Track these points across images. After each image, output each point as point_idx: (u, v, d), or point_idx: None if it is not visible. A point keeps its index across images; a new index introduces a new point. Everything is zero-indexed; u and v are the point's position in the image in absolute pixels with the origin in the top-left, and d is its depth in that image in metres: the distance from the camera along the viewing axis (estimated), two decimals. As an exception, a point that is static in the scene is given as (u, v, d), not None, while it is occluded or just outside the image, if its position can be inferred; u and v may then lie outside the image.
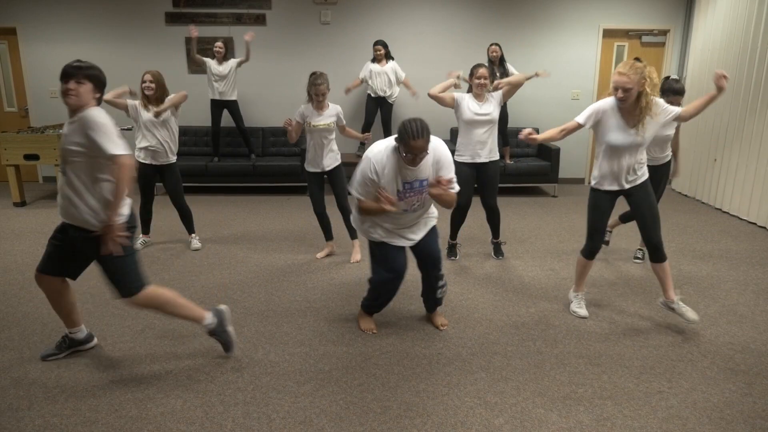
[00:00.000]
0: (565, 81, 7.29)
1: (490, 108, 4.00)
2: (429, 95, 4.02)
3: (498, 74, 6.27)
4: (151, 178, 4.37)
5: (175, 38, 7.04)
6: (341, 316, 3.30)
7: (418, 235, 2.98)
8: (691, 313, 3.07)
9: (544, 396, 2.50)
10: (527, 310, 3.43)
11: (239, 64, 6.44)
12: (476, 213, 5.73)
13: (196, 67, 7.06)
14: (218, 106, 6.50)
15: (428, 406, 2.42)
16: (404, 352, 2.88)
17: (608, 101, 3.01)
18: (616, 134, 2.99)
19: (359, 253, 4.32)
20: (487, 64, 6.19)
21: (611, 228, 4.52)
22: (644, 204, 3.09)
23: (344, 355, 2.86)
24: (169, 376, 2.64)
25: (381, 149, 2.74)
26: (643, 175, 3.11)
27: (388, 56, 6.49)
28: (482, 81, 3.96)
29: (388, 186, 2.72)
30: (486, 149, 4.08)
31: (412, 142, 2.56)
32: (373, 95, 6.55)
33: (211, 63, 6.37)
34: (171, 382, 2.58)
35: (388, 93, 6.52)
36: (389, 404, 2.43)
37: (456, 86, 4.15)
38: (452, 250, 4.41)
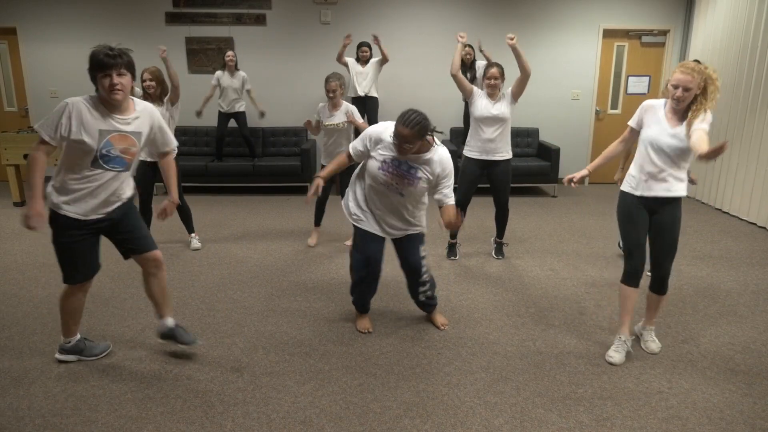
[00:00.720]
0: (565, 81, 7.29)
1: (503, 107, 3.99)
2: (451, 74, 4.01)
3: (468, 76, 6.18)
4: (150, 176, 4.36)
5: (175, 38, 7.03)
6: (341, 316, 3.30)
7: (394, 231, 2.95)
8: (655, 345, 2.91)
9: (544, 396, 2.50)
10: (527, 310, 3.43)
11: (247, 90, 6.45)
12: (476, 212, 5.73)
13: (196, 68, 7.07)
14: (226, 116, 6.51)
15: (428, 406, 2.42)
16: (404, 352, 2.88)
17: (657, 100, 2.75)
18: (655, 129, 2.68)
19: None
20: (482, 63, 6.19)
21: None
22: (666, 227, 2.73)
23: (344, 355, 2.86)
24: (169, 376, 2.64)
25: (385, 125, 2.84)
26: (677, 191, 2.73)
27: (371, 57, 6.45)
28: (492, 81, 3.96)
29: (381, 152, 2.79)
30: (496, 147, 4.07)
31: (399, 128, 2.60)
32: (354, 96, 6.41)
33: (221, 75, 6.30)
34: (171, 382, 2.58)
35: (370, 92, 6.41)
36: (389, 404, 2.43)
37: (465, 47, 4.08)
38: (452, 249, 4.41)
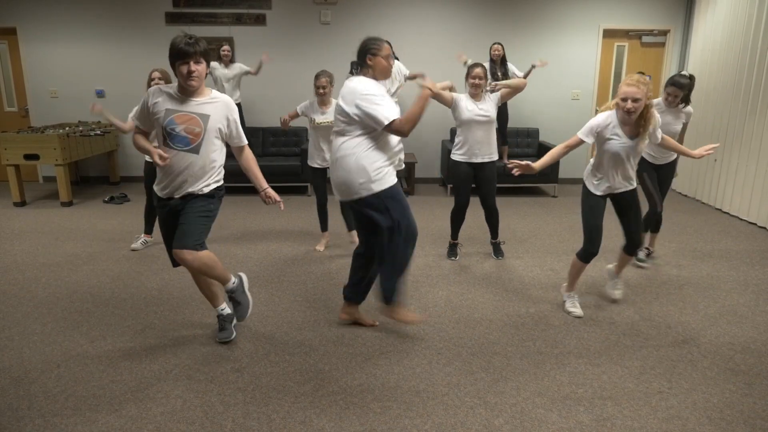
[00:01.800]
0: (565, 81, 7.30)
1: (488, 108, 4.00)
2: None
3: (499, 74, 6.28)
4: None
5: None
6: (341, 316, 3.30)
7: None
8: (619, 293, 3.54)
9: (544, 396, 2.50)
10: (527, 310, 3.43)
11: (246, 73, 6.46)
12: (476, 213, 5.73)
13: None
14: None
15: (428, 406, 2.42)
16: (404, 352, 2.88)
17: (607, 115, 3.07)
18: (616, 143, 3.06)
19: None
20: (487, 64, 6.21)
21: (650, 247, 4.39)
22: (633, 205, 3.24)
23: (344, 355, 2.86)
24: (169, 376, 2.64)
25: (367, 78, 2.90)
26: (634, 183, 3.24)
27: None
28: (476, 81, 3.97)
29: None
30: (484, 149, 4.09)
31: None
32: None
33: (217, 66, 6.35)
34: (171, 382, 2.58)
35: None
36: (389, 404, 2.43)
37: (451, 89, 4.12)
38: (453, 250, 4.42)
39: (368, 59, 2.86)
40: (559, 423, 2.31)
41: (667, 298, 3.62)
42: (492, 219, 4.33)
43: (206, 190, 2.71)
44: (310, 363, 2.77)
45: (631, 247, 3.36)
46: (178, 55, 2.47)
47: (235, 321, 3.02)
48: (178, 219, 2.70)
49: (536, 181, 6.74)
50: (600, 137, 3.08)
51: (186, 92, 2.59)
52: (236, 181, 6.65)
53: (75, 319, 3.24)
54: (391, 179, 2.81)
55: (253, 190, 6.83)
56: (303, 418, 2.33)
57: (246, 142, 2.86)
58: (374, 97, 2.73)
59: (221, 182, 2.80)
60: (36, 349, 2.89)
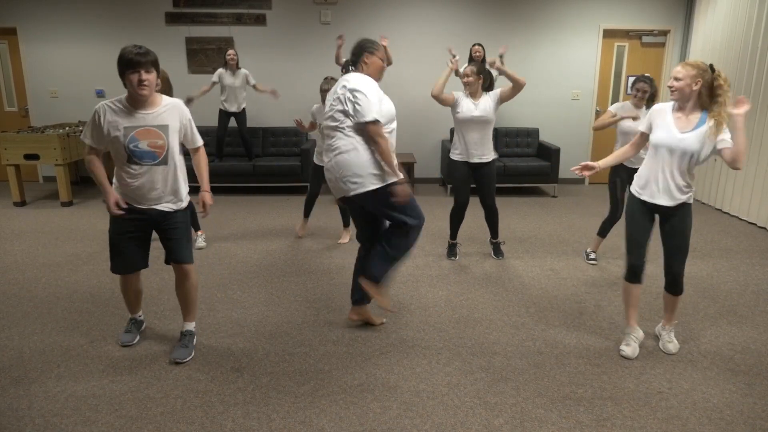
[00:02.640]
0: (565, 81, 7.30)
1: (487, 107, 4.00)
2: (432, 96, 4.02)
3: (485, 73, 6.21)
4: None
5: (175, 38, 7.04)
6: (341, 317, 3.30)
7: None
8: (673, 347, 2.91)
9: (544, 396, 2.50)
10: (527, 310, 3.43)
11: (252, 85, 6.41)
12: (476, 213, 5.73)
13: (196, 68, 7.07)
14: (227, 115, 6.50)
15: (428, 406, 2.42)
16: (404, 352, 2.88)
17: (666, 104, 2.79)
18: (662, 132, 2.70)
19: (347, 237, 4.81)
20: (474, 64, 6.19)
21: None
22: (677, 230, 2.76)
23: (344, 355, 2.86)
24: (169, 376, 2.64)
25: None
26: (686, 197, 2.73)
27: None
28: (466, 79, 3.98)
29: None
30: (480, 150, 4.09)
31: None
32: None
33: (224, 74, 6.29)
34: (171, 382, 2.58)
35: None
36: (389, 404, 2.43)
37: (453, 64, 4.06)
38: (452, 249, 4.42)
39: (366, 57, 2.87)
40: (559, 423, 2.31)
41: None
42: (491, 218, 4.33)
43: (184, 205, 2.75)
44: (310, 363, 2.77)
45: (668, 283, 2.87)
46: (128, 65, 2.42)
47: (194, 341, 2.94)
48: (146, 229, 2.73)
49: (536, 181, 6.74)
50: (651, 126, 2.77)
51: (137, 103, 2.53)
52: (236, 181, 6.69)
53: (75, 319, 3.24)
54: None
55: (253, 191, 6.86)
56: (303, 418, 2.33)
57: (201, 142, 2.84)
58: (371, 94, 2.74)
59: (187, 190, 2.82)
60: (36, 349, 2.89)
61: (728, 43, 6.01)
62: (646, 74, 4.06)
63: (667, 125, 2.70)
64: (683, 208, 2.74)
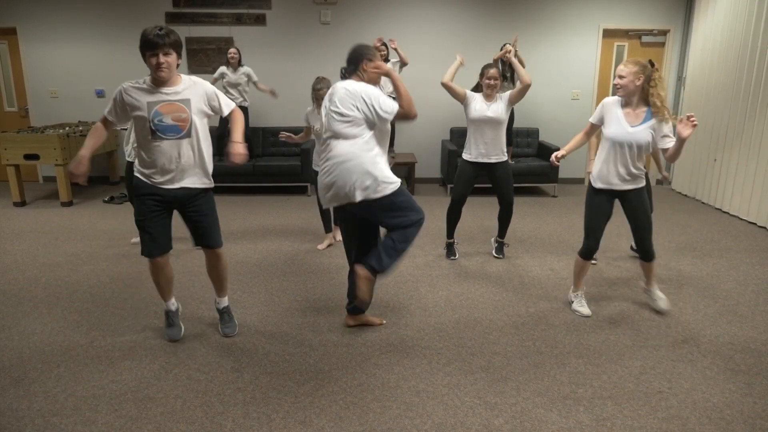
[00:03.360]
0: (565, 81, 7.30)
1: (499, 110, 4.00)
2: (442, 83, 4.03)
3: (507, 75, 6.29)
4: None
5: (175, 38, 7.02)
6: (341, 317, 3.30)
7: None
8: (662, 303, 3.33)
9: (544, 396, 2.50)
10: (527, 310, 3.43)
11: (254, 82, 6.43)
12: (475, 213, 5.73)
13: (196, 68, 7.07)
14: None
15: (428, 406, 2.42)
16: (404, 352, 2.88)
17: (613, 97, 3.14)
18: (615, 127, 3.06)
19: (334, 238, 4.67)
20: (498, 65, 6.22)
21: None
22: (639, 210, 3.17)
23: (344, 355, 2.86)
24: (169, 376, 2.64)
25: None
26: (640, 182, 3.16)
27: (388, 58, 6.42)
28: (492, 82, 3.96)
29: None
30: (491, 150, 4.08)
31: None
32: None
33: (226, 72, 6.33)
34: (170, 382, 2.58)
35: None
36: (389, 404, 2.43)
37: (462, 64, 4.11)
38: (451, 249, 4.41)
39: (364, 64, 2.83)
40: (559, 423, 2.31)
41: (667, 298, 3.62)
42: (506, 216, 4.30)
43: (210, 184, 2.79)
44: (310, 363, 2.77)
45: (643, 255, 3.31)
46: (147, 46, 2.48)
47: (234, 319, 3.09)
48: (170, 211, 2.78)
49: (536, 181, 6.74)
50: (603, 120, 3.13)
51: (159, 83, 2.60)
52: (236, 181, 6.68)
53: (75, 319, 3.24)
54: (395, 177, 2.81)
55: (253, 191, 6.86)
56: (303, 418, 2.33)
57: (233, 105, 2.85)
58: (378, 94, 2.75)
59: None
60: (36, 349, 2.89)
61: (728, 42, 6.01)
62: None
63: (618, 120, 3.04)
64: (640, 189, 3.14)
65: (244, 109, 6.52)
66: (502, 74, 6.27)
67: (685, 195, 6.86)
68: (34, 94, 7.23)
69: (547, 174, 6.67)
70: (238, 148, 2.73)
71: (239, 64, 6.36)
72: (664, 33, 7.24)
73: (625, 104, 3.05)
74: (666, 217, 5.68)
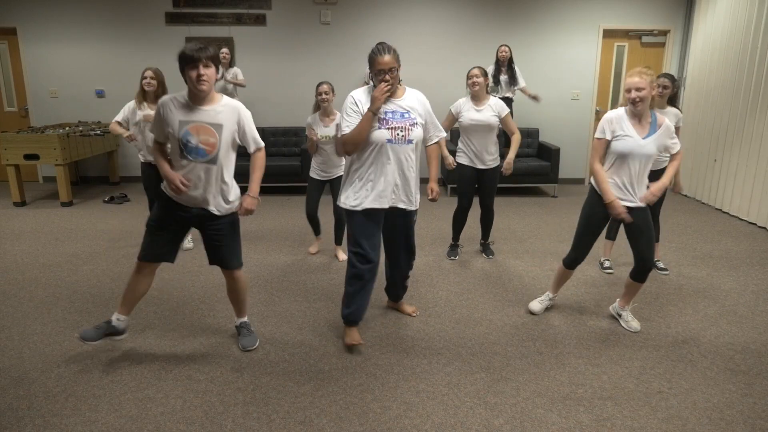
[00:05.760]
0: (565, 81, 7.30)
1: (488, 114, 4.03)
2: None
3: (506, 76, 6.30)
4: (155, 179, 4.35)
5: (175, 38, 7.03)
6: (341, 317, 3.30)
7: (396, 196, 2.86)
8: (635, 323, 3.17)
9: (544, 396, 2.50)
10: (527, 310, 3.43)
11: (228, 78, 6.35)
12: (476, 213, 5.72)
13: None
14: None
15: (428, 406, 2.42)
16: (404, 353, 2.88)
17: (618, 110, 2.95)
18: (626, 141, 2.87)
19: (343, 254, 4.39)
20: (491, 68, 6.23)
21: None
22: (643, 222, 2.96)
23: (344, 355, 2.86)
24: (169, 376, 2.64)
25: (360, 89, 2.86)
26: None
27: None
28: (473, 80, 3.97)
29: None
30: (485, 155, 4.12)
31: (379, 58, 2.67)
32: None
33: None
34: (171, 382, 2.58)
35: None
36: (389, 404, 2.43)
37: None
38: (453, 250, 4.43)
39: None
40: (559, 423, 2.31)
41: (667, 298, 3.62)
42: (487, 220, 4.39)
43: (231, 209, 2.71)
44: (310, 363, 2.77)
45: (639, 273, 3.07)
46: (187, 60, 2.44)
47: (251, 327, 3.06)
48: (185, 226, 2.71)
49: (536, 181, 6.74)
50: (613, 135, 2.92)
51: (196, 99, 2.54)
52: (236, 181, 6.66)
53: (75, 319, 3.24)
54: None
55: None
56: (303, 418, 2.33)
57: (261, 144, 2.78)
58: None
59: (239, 196, 2.77)
60: (36, 349, 2.89)
61: (728, 43, 6.01)
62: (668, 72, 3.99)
63: (629, 133, 2.88)
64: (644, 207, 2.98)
65: None
66: (495, 78, 6.28)
67: (685, 195, 6.87)
68: (34, 94, 7.22)
69: (547, 174, 6.67)
70: (250, 204, 2.72)
71: (230, 65, 6.35)
72: (664, 33, 7.24)
73: (632, 116, 2.89)
74: (666, 217, 5.67)
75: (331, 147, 4.09)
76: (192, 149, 2.53)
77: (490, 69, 6.18)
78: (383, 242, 3.05)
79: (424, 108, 2.95)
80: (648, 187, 2.99)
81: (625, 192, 2.94)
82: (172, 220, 2.66)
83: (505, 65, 6.29)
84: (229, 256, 2.75)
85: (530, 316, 3.33)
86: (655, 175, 3.96)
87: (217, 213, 2.66)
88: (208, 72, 2.47)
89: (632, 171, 2.90)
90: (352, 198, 2.81)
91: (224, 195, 2.68)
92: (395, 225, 2.98)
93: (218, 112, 2.56)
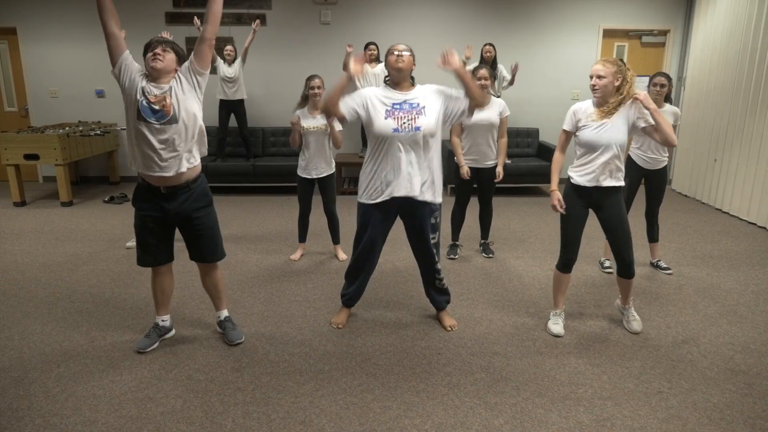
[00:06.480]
0: (565, 81, 7.30)
1: (491, 113, 4.05)
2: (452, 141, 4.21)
3: (495, 75, 6.30)
4: None
5: (175, 38, 6.95)
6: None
7: (412, 186, 2.84)
8: (636, 324, 3.13)
9: (544, 396, 2.50)
10: (527, 310, 3.43)
11: (243, 59, 6.40)
12: (476, 212, 5.71)
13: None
14: (226, 106, 6.51)
15: (428, 406, 2.42)
16: (404, 352, 2.88)
17: (585, 102, 2.98)
18: (591, 131, 2.87)
19: (343, 253, 4.39)
20: (472, 66, 6.22)
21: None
22: (615, 218, 2.94)
23: (344, 355, 2.86)
24: (169, 376, 2.64)
25: (370, 88, 3.00)
26: (621, 180, 2.94)
27: (379, 58, 6.40)
28: (483, 82, 3.97)
29: (378, 106, 2.84)
30: (485, 154, 4.16)
31: (393, 47, 2.95)
32: None
33: (221, 64, 6.36)
34: (171, 382, 2.58)
35: None
36: (389, 404, 2.43)
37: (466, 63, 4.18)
38: (453, 249, 4.43)
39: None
40: (559, 423, 2.31)
41: (667, 298, 3.62)
42: (486, 218, 4.42)
43: (196, 162, 2.72)
44: (310, 363, 2.77)
45: (623, 270, 3.06)
46: (147, 48, 2.61)
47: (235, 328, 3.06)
48: (170, 226, 2.75)
49: (536, 181, 6.74)
50: (577, 126, 2.94)
51: (152, 77, 2.61)
52: (236, 181, 6.68)
53: (75, 319, 3.24)
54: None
55: (253, 191, 6.86)
56: (303, 418, 2.33)
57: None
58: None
59: (200, 166, 2.78)
60: (36, 349, 2.89)
61: (728, 43, 6.01)
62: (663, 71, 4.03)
63: (593, 122, 2.88)
64: (616, 194, 2.94)
65: (241, 102, 6.55)
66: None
67: (685, 195, 6.86)
68: (34, 94, 7.23)
69: (547, 174, 6.66)
70: None
71: (234, 60, 6.37)
72: (664, 33, 7.24)
73: (597, 105, 2.89)
74: (666, 218, 5.67)
75: (316, 138, 4.05)
76: (151, 111, 2.56)
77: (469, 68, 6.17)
78: (407, 236, 3.13)
79: (436, 93, 2.95)
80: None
81: (602, 178, 2.89)
82: (152, 223, 2.70)
83: (489, 64, 6.27)
84: (205, 250, 2.80)
85: (530, 316, 3.33)
86: (655, 175, 4.00)
87: (186, 168, 2.65)
88: (165, 55, 2.58)
89: (601, 159, 2.86)
90: (365, 196, 2.95)
91: (190, 158, 2.72)
92: (414, 217, 2.98)
93: (170, 87, 2.62)
